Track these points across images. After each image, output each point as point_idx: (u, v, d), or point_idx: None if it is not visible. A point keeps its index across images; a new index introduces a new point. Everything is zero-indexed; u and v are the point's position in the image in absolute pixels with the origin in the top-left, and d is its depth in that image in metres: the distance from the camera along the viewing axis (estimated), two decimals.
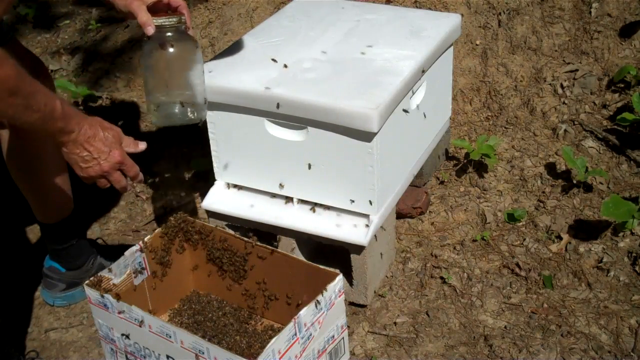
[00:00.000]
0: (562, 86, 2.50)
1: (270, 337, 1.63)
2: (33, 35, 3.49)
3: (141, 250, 1.84)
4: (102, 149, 1.56)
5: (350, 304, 1.99)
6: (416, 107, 2.04)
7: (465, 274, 2.05)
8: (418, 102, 2.05)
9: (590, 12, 2.56)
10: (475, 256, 2.11)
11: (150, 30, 1.67)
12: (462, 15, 2.56)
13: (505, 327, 1.89)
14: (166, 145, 2.75)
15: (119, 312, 1.66)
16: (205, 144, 2.12)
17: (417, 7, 2.72)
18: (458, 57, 2.62)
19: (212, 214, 2.09)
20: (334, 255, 2.02)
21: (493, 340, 1.84)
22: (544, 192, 2.28)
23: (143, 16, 1.66)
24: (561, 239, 2.12)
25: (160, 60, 1.72)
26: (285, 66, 1.92)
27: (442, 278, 2.05)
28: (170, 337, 1.57)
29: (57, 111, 1.46)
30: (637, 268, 1.99)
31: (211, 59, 2.03)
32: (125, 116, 2.97)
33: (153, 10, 1.70)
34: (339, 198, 1.89)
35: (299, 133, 1.87)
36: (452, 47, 2.25)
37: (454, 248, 2.14)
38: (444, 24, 2.15)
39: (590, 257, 2.05)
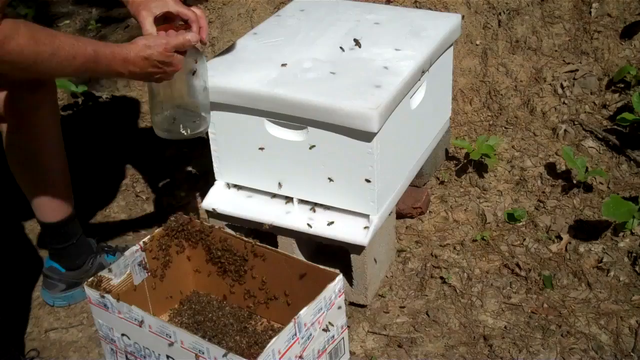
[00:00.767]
0: (562, 86, 2.50)
1: (270, 337, 1.63)
2: None
3: (141, 250, 1.84)
4: (156, 65, 1.60)
5: (350, 304, 1.99)
6: (416, 107, 2.04)
7: (465, 274, 2.05)
8: (418, 102, 2.05)
9: (590, 12, 2.56)
10: (475, 256, 2.11)
11: None
12: (462, 15, 2.56)
13: (505, 327, 1.89)
14: (166, 145, 2.75)
15: (119, 312, 1.66)
16: (205, 144, 2.12)
17: (417, 7, 2.72)
18: (458, 57, 2.62)
19: (212, 214, 2.09)
20: (334, 255, 2.02)
21: (493, 340, 1.84)
22: (544, 192, 2.28)
23: (147, 29, 1.69)
24: (561, 239, 2.12)
25: None
26: (284, 65, 1.91)
27: (442, 278, 2.05)
28: (170, 337, 1.57)
29: (91, 44, 1.49)
30: (637, 268, 1.99)
31: (211, 59, 2.03)
32: (125, 116, 2.97)
33: (166, 21, 1.71)
34: (339, 198, 1.89)
35: (299, 133, 1.87)
36: (452, 47, 2.25)
37: (454, 248, 2.14)
38: (444, 24, 2.15)
39: (590, 257, 2.05)
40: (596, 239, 2.10)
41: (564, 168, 2.32)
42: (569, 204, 2.22)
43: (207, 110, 1.81)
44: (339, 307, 1.69)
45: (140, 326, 1.62)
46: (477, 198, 2.30)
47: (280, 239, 2.02)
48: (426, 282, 2.05)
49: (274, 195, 2.00)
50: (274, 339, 1.51)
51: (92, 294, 1.69)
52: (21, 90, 1.81)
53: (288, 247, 2.01)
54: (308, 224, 1.92)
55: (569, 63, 2.53)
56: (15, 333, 2.03)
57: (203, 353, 1.53)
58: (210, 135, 2.01)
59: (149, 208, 2.48)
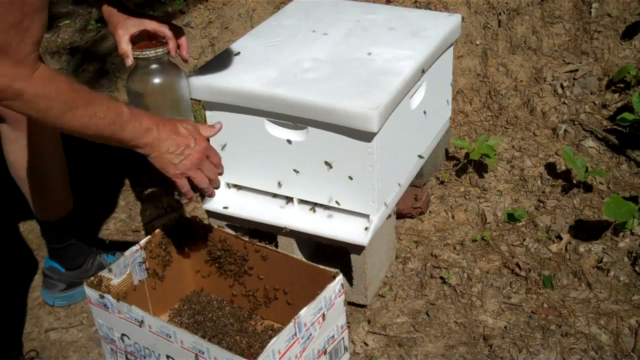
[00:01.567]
0: (562, 86, 2.50)
1: (270, 337, 1.63)
2: None
3: (141, 250, 1.84)
4: (187, 137, 1.51)
5: (350, 304, 1.99)
6: (416, 107, 2.04)
7: (465, 274, 2.05)
8: (418, 102, 2.05)
9: (590, 12, 2.56)
10: (475, 256, 2.11)
11: (128, 62, 1.67)
12: (462, 15, 2.56)
13: (505, 327, 1.89)
14: None
15: (119, 312, 1.66)
16: None
17: (417, 7, 2.72)
18: (458, 57, 2.62)
19: (212, 214, 2.09)
20: (334, 255, 2.02)
21: (493, 340, 1.84)
22: (544, 192, 2.28)
23: (123, 47, 1.66)
24: (561, 239, 2.12)
25: (143, 90, 1.72)
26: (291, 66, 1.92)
27: (442, 278, 2.05)
28: (170, 337, 1.57)
29: (124, 113, 1.42)
30: (637, 268, 1.99)
31: (211, 59, 2.03)
32: None
33: (140, 39, 1.69)
34: (339, 198, 1.89)
35: (299, 133, 1.87)
36: (452, 47, 2.25)
37: (454, 248, 2.14)
38: (444, 24, 2.15)
39: (590, 257, 2.05)
40: (596, 239, 2.10)
41: (564, 168, 2.32)
42: (569, 204, 2.22)
43: None
44: (339, 307, 1.69)
45: (140, 326, 1.62)
46: (477, 198, 2.30)
47: (280, 239, 2.02)
48: (426, 282, 2.05)
49: (274, 195, 2.00)
50: (274, 339, 1.51)
51: (92, 294, 1.69)
52: None
53: (288, 247, 2.01)
54: (308, 224, 1.92)
55: (569, 63, 2.53)
56: (14, 333, 2.03)
57: (203, 353, 1.53)
58: None
59: (149, 208, 2.48)
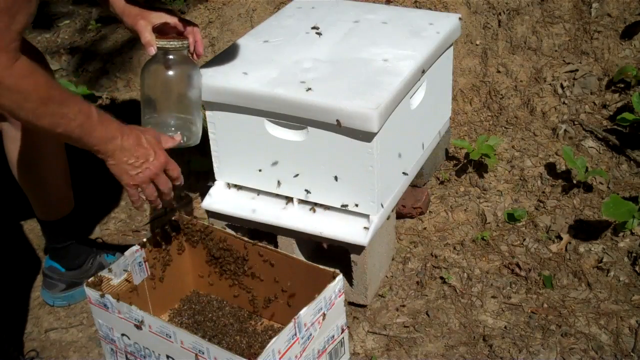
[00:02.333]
0: (562, 86, 2.50)
1: (270, 337, 1.63)
2: (33, 35, 3.49)
3: (141, 250, 1.84)
4: (148, 151, 1.54)
5: (350, 304, 1.99)
6: (416, 107, 2.04)
7: (465, 274, 2.05)
8: (418, 102, 2.04)
9: (590, 12, 2.56)
10: (475, 256, 2.11)
11: (151, 51, 1.70)
12: (462, 15, 2.56)
13: (505, 327, 1.89)
14: None
15: (119, 312, 1.66)
16: (205, 144, 2.12)
17: (417, 7, 2.72)
18: (458, 57, 2.62)
19: (212, 214, 2.09)
20: (334, 255, 2.02)
21: (493, 340, 1.84)
22: (544, 192, 2.28)
23: (147, 36, 1.69)
24: (561, 239, 2.12)
25: (159, 81, 1.73)
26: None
27: (442, 278, 2.05)
28: (170, 337, 1.57)
29: (94, 117, 1.44)
30: (637, 268, 1.99)
31: (211, 59, 2.03)
32: (125, 116, 2.95)
33: (162, 31, 1.72)
34: (339, 198, 1.89)
35: (299, 133, 1.87)
36: (452, 47, 2.25)
37: (454, 248, 2.14)
38: (444, 24, 2.15)
39: (590, 257, 2.05)
40: (596, 239, 2.10)
41: (564, 168, 2.32)
42: (569, 204, 2.22)
43: (200, 121, 1.82)
44: (339, 307, 1.69)
45: (140, 326, 1.62)
46: (477, 198, 2.30)
47: (280, 239, 2.02)
48: (426, 282, 2.05)
49: (274, 195, 2.00)
50: (274, 339, 1.51)
51: (92, 294, 1.69)
52: None
53: (288, 247, 2.01)
54: (308, 224, 1.92)
55: (569, 63, 2.53)
56: (14, 333, 2.03)
57: (203, 353, 1.53)
58: (210, 135, 2.01)
59: (149, 208, 2.48)
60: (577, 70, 2.50)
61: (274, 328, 1.87)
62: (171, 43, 1.69)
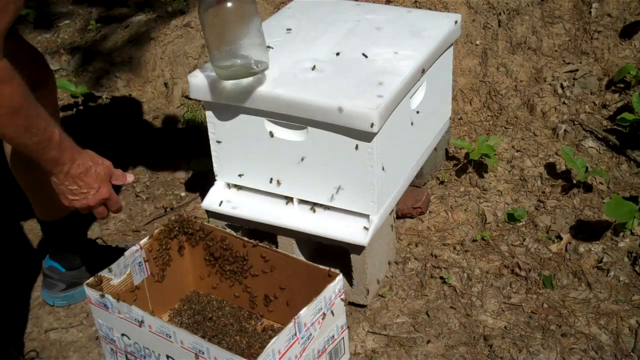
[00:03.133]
0: (562, 86, 2.50)
1: (270, 337, 1.63)
2: (33, 35, 3.49)
3: (141, 250, 1.84)
4: (92, 184, 1.56)
5: (350, 304, 1.99)
6: (416, 107, 2.04)
7: (465, 274, 2.05)
8: (418, 102, 2.05)
9: (590, 12, 2.56)
10: (475, 256, 2.11)
11: None
12: (462, 15, 2.56)
13: (505, 327, 1.89)
14: (166, 145, 2.75)
15: (119, 312, 1.66)
16: (205, 144, 2.12)
17: (417, 7, 2.72)
18: (458, 57, 2.62)
19: (212, 214, 2.09)
20: (334, 255, 2.02)
21: (493, 340, 1.84)
22: (544, 192, 2.28)
23: None
24: (561, 239, 2.12)
25: (217, 16, 1.73)
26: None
27: (442, 278, 2.05)
28: (170, 337, 1.57)
29: (54, 139, 1.45)
30: (637, 268, 1.99)
31: None
32: (125, 116, 2.97)
33: None
34: (339, 198, 1.89)
35: (299, 133, 1.87)
36: (452, 47, 2.25)
37: (454, 248, 2.14)
38: (444, 24, 2.15)
39: (590, 257, 2.05)
40: (596, 239, 2.10)
41: (564, 168, 2.32)
42: (569, 204, 2.22)
43: (265, 48, 1.82)
44: (339, 307, 1.69)
45: (140, 326, 1.62)
46: (477, 198, 2.30)
47: (280, 239, 2.02)
48: (426, 282, 2.05)
49: (274, 195, 2.00)
50: (274, 339, 1.51)
51: (92, 294, 1.69)
52: None
53: (288, 247, 2.01)
54: (308, 224, 1.92)
55: (569, 63, 2.53)
56: (15, 333, 2.03)
57: (203, 353, 1.53)
58: (210, 135, 2.01)
59: (149, 208, 2.48)
60: (577, 70, 2.50)
61: (274, 328, 1.87)
62: None
